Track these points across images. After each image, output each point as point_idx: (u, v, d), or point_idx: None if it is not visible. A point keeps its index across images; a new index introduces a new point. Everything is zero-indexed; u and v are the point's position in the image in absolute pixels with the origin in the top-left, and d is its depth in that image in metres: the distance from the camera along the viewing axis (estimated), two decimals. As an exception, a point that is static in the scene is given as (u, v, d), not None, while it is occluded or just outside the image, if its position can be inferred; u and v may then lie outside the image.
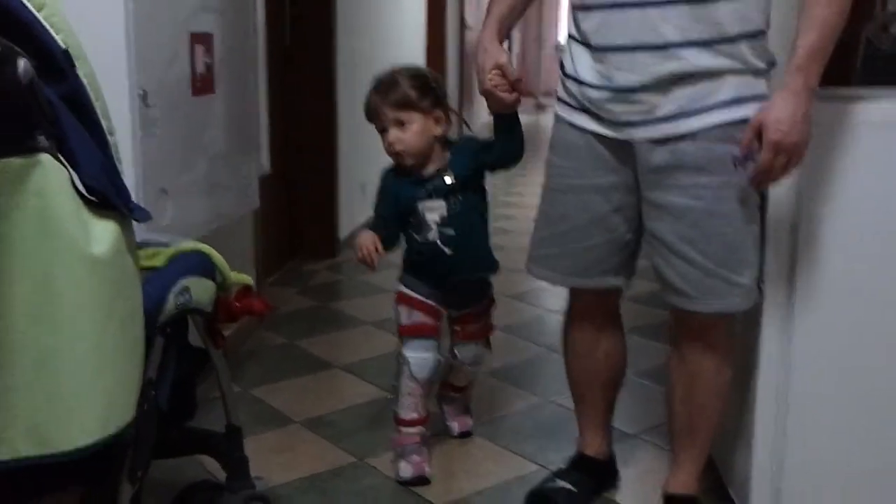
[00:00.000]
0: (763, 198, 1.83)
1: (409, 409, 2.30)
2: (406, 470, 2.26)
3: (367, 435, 2.55)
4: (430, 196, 2.20)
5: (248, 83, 2.65)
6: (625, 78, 1.76)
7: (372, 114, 2.20)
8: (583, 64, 1.85)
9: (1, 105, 1.07)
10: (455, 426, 2.53)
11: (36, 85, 1.10)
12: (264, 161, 2.92)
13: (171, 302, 1.48)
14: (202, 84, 2.27)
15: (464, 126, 2.81)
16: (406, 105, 2.14)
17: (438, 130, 2.19)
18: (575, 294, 2.09)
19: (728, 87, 1.74)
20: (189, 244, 1.65)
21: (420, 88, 2.16)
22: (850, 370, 1.90)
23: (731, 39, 1.72)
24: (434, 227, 2.21)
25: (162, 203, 2.09)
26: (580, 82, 1.87)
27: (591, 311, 2.09)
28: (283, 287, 4.08)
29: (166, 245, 1.62)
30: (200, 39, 2.26)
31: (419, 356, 2.27)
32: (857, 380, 1.90)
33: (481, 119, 12.28)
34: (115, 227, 1.21)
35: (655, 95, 1.76)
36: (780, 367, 1.93)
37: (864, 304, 1.87)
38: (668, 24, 1.71)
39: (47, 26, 1.16)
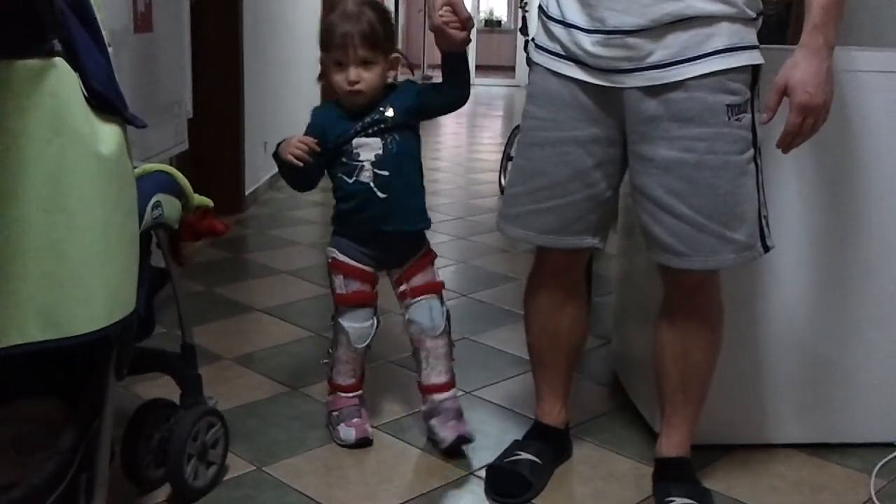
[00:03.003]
0: (758, 151, 1.80)
1: (347, 375, 2.20)
2: (348, 433, 2.16)
3: (298, 369, 2.67)
4: (364, 132, 2.06)
5: (179, 25, 2.70)
6: (619, 20, 1.70)
7: (338, 43, 2.01)
8: (570, 6, 1.78)
9: (24, 9, 1.15)
10: (449, 434, 2.13)
11: (52, -8, 1.18)
12: (188, 105, 2.97)
13: (148, 213, 1.57)
14: (142, 22, 2.33)
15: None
16: (375, 42, 2.01)
17: (391, 74, 2.11)
18: (545, 253, 1.99)
19: (722, 35, 1.71)
20: (154, 165, 1.74)
21: (385, 25, 2.05)
22: (735, 301, 2.10)
23: None
24: (368, 166, 2.06)
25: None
26: (568, 25, 1.79)
27: (560, 272, 2.01)
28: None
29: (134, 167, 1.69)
30: (140, -22, 2.31)
31: (358, 326, 2.15)
32: (741, 311, 2.13)
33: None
34: (119, 131, 1.29)
35: (649, 41, 1.70)
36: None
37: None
38: None
39: (54, -61, 1.23)
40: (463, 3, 1.94)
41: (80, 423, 1.42)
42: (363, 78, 2.02)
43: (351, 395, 2.21)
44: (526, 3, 6.17)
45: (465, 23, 1.94)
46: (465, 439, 2.14)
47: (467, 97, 2.11)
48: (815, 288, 2.16)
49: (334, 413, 2.22)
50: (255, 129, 4.89)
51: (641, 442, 2.24)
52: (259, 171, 5.04)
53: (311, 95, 7.18)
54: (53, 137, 1.20)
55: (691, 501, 1.88)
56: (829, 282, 2.15)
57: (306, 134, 2.10)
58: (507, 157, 5.76)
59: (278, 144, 2.09)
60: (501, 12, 17.61)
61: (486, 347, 2.90)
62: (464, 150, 7.23)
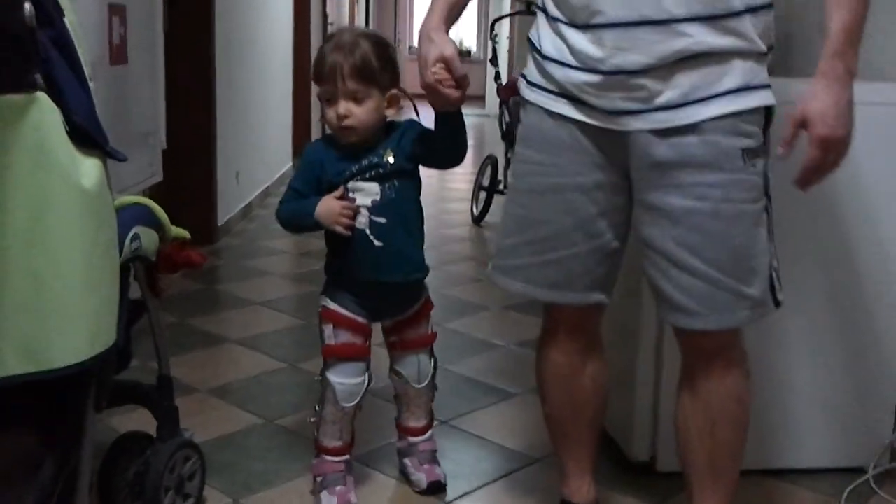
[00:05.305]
0: (769, 197, 1.67)
1: (333, 437, 2.04)
2: (329, 501, 2.02)
3: (272, 400, 2.67)
4: (362, 175, 1.94)
5: (153, 57, 2.72)
6: (624, 59, 1.55)
7: (326, 75, 1.89)
8: (566, 44, 1.63)
9: (10, 45, 1.16)
10: (423, 477, 2.13)
11: (35, 27, 1.19)
12: (162, 136, 2.98)
13: (127, 246, 1.58)
14: (117, 54, 2.34)
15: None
16: (367, 75, 1.88)
17: (391, 112, 1.96)
18: (555, 311, 1.82)
19: (735, 74, 1.57)
20: (132, 198, 1.75)
21: (382, 59, 1.91)
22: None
23: (737, 14, 1.54)
24: (364, 212, 1.93)
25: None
26: (563, 65, 1.64)
27: (574, 330, 1.82)
28: (165, 270, 4.11)
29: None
30: (116, 11, 2.33)
31: (347, 382, 1.99)
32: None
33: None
34: (100, 164, 1.30)
35: (656, 81, 1.56)
36: (656, 330, 2.17)
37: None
38: None
39: (35, -25, 1.25)
40: (458, 59, 1.74)
41: (60, 456, 1.42)
42: (353, 113, 1.89)
43: (337, 459, 2.06)
44: (496, 35, 6.27)
45: (461, 81, 1.74)
46: (439, 485, 2.13)
47: (463, 156, 1.98)
48: (781, 314, 2.17)
49: (318, 478, 2.07)
50: (228, 159, 4.91)
51: (614, 469, 2.25)
52: (232, 201, 5.05)
53: (284, 127, 7.24)
54: (36, 170, 1.21)
55: None
56: (795, 309, 2.18)
57: (303, 171, 2.00)
58: (479, 187, 5.80)
59: (310, 204, 1.94)
60: (471, 42, 17.76)
61: (459, 377, 2.91)
62: (435, 180, 7.26)
